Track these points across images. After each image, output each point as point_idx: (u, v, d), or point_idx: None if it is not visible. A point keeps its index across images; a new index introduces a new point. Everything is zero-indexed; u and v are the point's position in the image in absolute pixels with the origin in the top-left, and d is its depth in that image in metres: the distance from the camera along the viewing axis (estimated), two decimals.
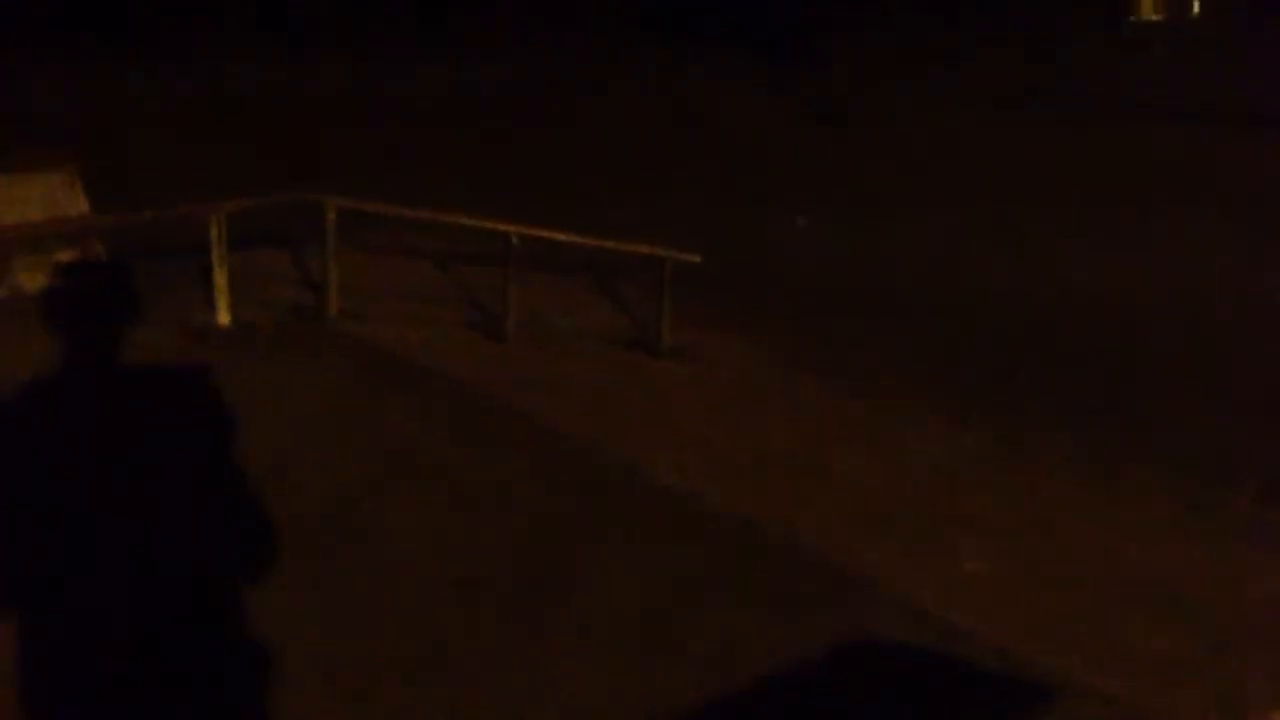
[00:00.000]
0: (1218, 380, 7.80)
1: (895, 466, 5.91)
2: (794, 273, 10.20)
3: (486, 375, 6.25)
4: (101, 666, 3.17)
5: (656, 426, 6.04)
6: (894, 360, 7.95)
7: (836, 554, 4.24)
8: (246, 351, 6.00)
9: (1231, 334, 8.88)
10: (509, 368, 6.77)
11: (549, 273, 8.34)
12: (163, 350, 5.62)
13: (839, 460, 5.82)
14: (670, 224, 10.13)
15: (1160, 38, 28.64)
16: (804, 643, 3.50)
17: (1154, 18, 30.48)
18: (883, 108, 19.58)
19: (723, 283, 8.86)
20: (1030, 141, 17.51)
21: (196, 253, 6.43)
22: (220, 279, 6.33)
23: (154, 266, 6.54)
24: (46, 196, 6.56)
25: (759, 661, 3.41)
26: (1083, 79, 22.60)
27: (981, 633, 3.67)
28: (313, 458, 4.65)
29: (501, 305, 7.24)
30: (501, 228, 7.19)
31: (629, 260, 8.38)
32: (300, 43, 20.75)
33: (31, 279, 6.36)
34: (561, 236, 7.66)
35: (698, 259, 7.98)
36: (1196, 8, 31.26)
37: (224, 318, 6.38)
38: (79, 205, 6.67)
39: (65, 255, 6.54)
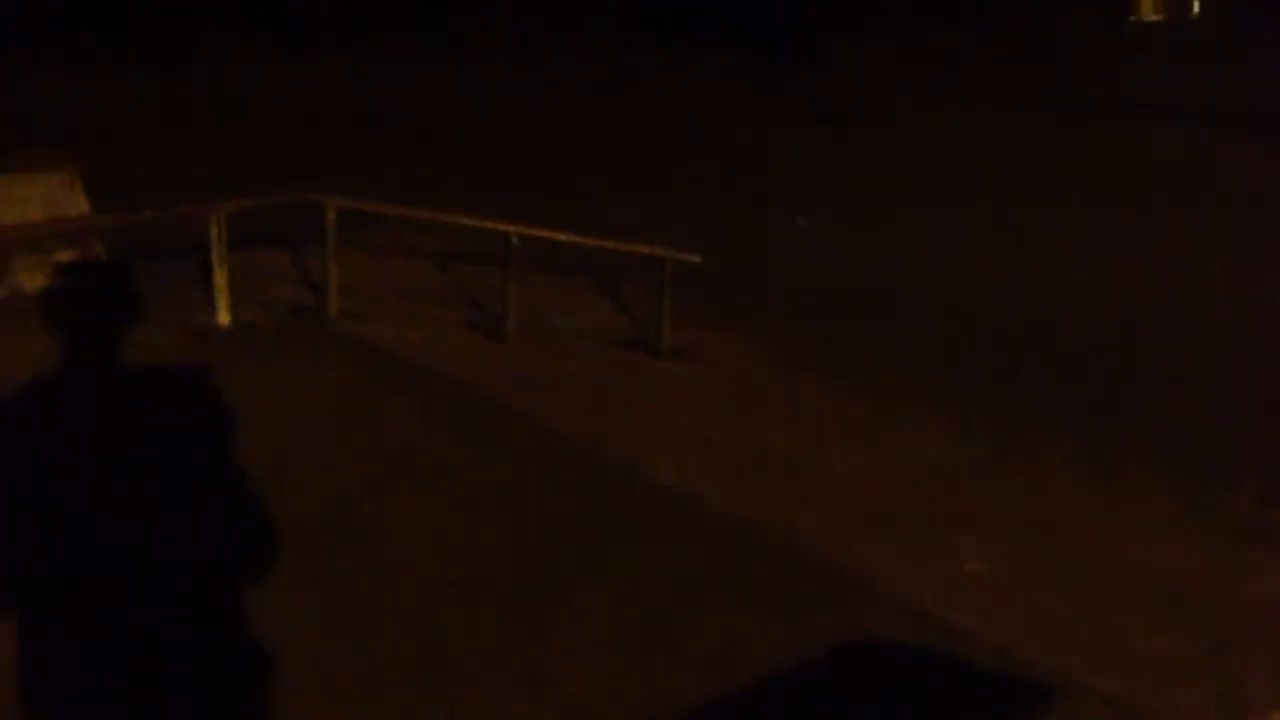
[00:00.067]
0: (1218, 380, 7.80)
1: (895, 466, 5.90)
2: (794, 273, 10.19)
3: (486, 375, 6.25)
4: (101, 666, 3.17)
5: (656, 426, 6.04)
6: (894, 360, 7.94)
7: (836, 554, 4.25)
8: (246, 351, 6.00)
9: (1231, 334, 8.88)
10: (509, 368, 6.77)
11: (549, 273, 8.34)
12: (163, 350, 5.62)
13: (839, 460, 5.82)
14: (670, 224, 10.12)
15: (1160, 38, 28.60)
16: (804, 643, 3.50)
17: (1154, 18, 30.42)
18: (883, 108, 19.55)
19: (723, 283, 8.86)
20: (1030, 141, 17.48)
21: (196, 253, 6.44)
22: (220, 279, 6.33)
23: (154, 266, 6.53)
24: (46, 196, 6.56)
25: (759, 661, 3.41)
26: (1083, 79, 22.57)
27: (981, 633, 3.68)
28: (313, 458, 4.66)
29: (501, 305, 7.24)
30: (501, 228, 7.19)
31: (629, 260, 8.37)
32: (300, 43, 20.70)
33: (31, 279, 6.36)
34: (561, 236, 7.66)
35: (698, 259, 7.98)
36: (1196, 8, 31.24)
37: (224, 318, 6.38)
38: (79, 205, 6.67)
39: (65, 255, 6.54)
